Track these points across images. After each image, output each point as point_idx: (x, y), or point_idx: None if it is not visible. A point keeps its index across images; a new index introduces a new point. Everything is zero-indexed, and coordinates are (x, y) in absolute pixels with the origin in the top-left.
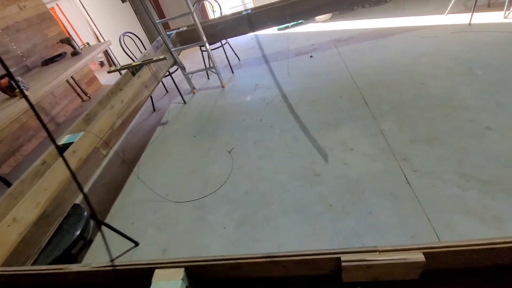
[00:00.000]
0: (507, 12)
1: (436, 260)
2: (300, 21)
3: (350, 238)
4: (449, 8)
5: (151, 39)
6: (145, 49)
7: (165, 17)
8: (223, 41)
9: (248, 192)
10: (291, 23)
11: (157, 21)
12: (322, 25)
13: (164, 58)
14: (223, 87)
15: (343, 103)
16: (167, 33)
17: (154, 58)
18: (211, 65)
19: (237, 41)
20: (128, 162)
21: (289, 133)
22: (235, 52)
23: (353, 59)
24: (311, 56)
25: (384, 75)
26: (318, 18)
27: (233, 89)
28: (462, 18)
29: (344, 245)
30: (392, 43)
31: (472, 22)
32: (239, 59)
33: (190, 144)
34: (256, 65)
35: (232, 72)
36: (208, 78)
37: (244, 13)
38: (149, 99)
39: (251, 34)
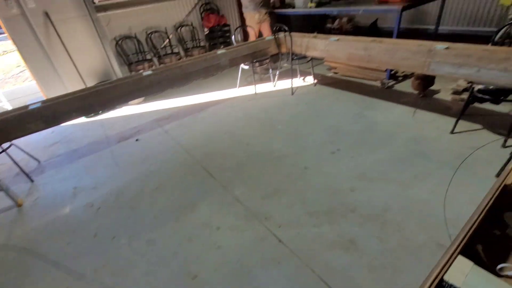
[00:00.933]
0: (274, 82)
1: None
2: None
3: None
4: (238, 83)
5: None
6: None
7: None
8: (5, 144)
9: None
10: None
11: None
12: (138, 107)
13: None
14: (19, 205)
15: (189, 180)
16: None
17: None
18: None
19: (30, 140)
20: None
21: (140, 239)
22: (29, 153)
23: (181, 134)
24: (137, 140)
25: (215, 143)
26: (131, 101)
27: (38, 204)
28: (250, 89)
29: None
30: (210, 114)
31: (257, 91)
32: (38, 161)
33: None
34: (67, 163)
35: (31, 180)
36: None
37: (32, 107)
38: None
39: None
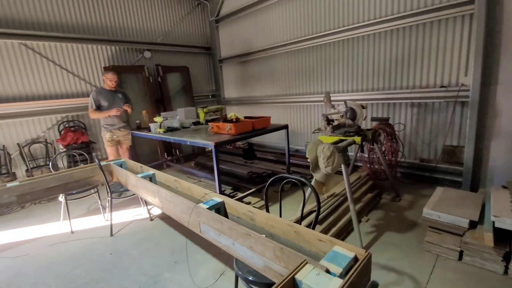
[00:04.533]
0: (105, 215)
1: None
2: None
3: None
4: (61, 216)
5: None
6: None
7: None
8: None
9: None
10: None
11: None
12: None
13: None
14: None
15: None
16: None
17: None
18: None
19: None
20: None
21: None
22: None
23: None
24: None
25: None
26: None
27: None
28: (80, 222)
29: None
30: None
31: (75, 228)
32: None
33: None
34: None
35: None
36: None
37: None
38: None
39: None
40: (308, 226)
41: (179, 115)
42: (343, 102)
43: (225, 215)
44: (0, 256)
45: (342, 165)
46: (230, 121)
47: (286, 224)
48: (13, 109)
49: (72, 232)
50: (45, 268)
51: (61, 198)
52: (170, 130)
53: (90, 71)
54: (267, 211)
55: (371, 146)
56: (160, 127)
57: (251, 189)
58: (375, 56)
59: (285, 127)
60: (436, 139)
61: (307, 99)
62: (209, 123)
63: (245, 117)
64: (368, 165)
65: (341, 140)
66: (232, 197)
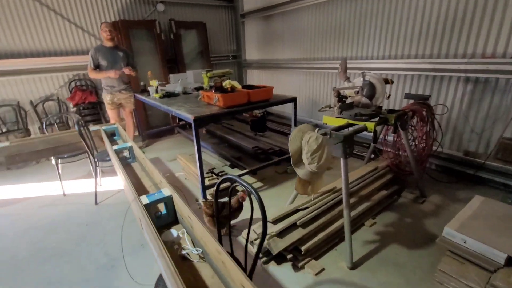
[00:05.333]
0: (99, 179)
1: None
2: None
3: None
4: (59, 176)
5: None
6: None
7: None
8: None
9: None
10: None
11: None
12: None
13: None
14: None
15: None
16: None
17: None
18: None
19: None
20: None
21: None
22: None
23: None
24: None
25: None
26: None
27: None
28: (77, 184)
29: None
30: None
31: (68, 192)
32: None
33: None
34: None
35: None
36: None
37: None
38: None
39: None
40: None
41: (188, 78)
42: (360, 74)
43: (174, 210)
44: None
45: (341, 159)
46: (224, 90)
47: (215, 250)
48: (25, 65)
49: (64, 195)
50: (24, 232)
51: (53, 161)
52: (168, 95)
53: (98, 25)
54: (217, 220)
55: (394, 134)
56: (157, 92)
57: (250, 166)
58: (425, 11)
59: (293, 100)
60: (492, 129)
61: (334, 65)
62: (200, 92)
63: (252, 86)
64: (391, 154)
65: (350, 125)
66: (220, 176)
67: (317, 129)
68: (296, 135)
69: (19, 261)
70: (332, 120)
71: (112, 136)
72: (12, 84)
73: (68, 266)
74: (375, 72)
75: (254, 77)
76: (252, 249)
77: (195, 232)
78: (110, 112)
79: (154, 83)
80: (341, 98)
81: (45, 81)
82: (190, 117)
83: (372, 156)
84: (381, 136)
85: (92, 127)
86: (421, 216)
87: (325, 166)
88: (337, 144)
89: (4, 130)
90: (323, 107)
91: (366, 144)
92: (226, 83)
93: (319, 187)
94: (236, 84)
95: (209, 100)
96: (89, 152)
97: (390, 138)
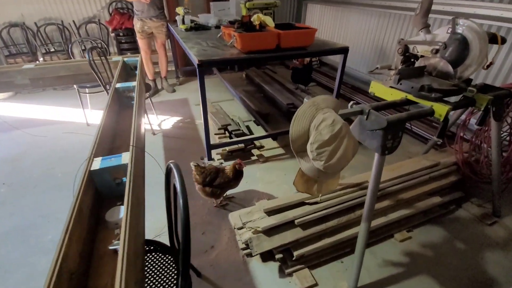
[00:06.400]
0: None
1: None
2: None
3: None
4: (89, 104)
5: None
6: None
7: None
8: None
9: None
10: None
11: None
12: None
13: None
14: None
15: None
16: None
17: None
18: None
19: None
20: None
21: None
22: None
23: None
24: None
25: None
26: None
27: None
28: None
29: None
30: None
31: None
32: None
33: None
34: None
35: None
36: None
37: None
38: None
39: None
40: None
41: (231, 9)
42: (449, 21)
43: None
44: (25, 131)
45: (376, 154)
46: (252, 28)
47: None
48: None
49: (88, 124)
50: (44, 157)
51: (76, 89)
52: (196, 28)
53: None
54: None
55: (479, 127)
56: (183, 23)
57: (279, 127)
58: None
59: (343, 50)
60: None
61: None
62: (221, 27)
63: (291, 25)
64: (467, 146)
65: (408, 103)
66: (239, 136)
67: (351, 102)
68: (305, 111)
69: (30, 183)
70: (383, 90)
71: (135, 70)
72: (58, 2)
73: (63, 202)
74: (477, 21)
75: (315, 15)
76: (240, 240)
77: None
78: (140, 42)
79: (180, 10)
80: (408, 57)
81: (87, 1)
82: (195, 59)
83: (439, 142)
84: (463, 116)
85: (115, 58)
86: (484, 243)
87: (337, 167)
88: (375, 131)
89: (51, 49)
90: (377, 67)
91: (436, 124)
92: (255, 18)
93: (330, 187)
94: (269, 20)
95: (229, 38)
96: (102, 85)
97: (474, 121)
